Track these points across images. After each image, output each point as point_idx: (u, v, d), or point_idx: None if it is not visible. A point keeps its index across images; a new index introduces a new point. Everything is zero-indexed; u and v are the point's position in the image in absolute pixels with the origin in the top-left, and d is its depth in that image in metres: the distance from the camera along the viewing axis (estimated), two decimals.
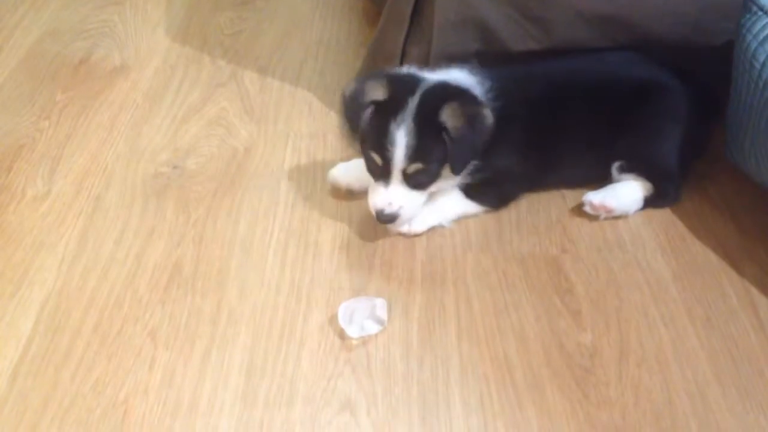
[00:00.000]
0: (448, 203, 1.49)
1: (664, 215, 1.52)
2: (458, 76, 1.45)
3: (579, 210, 1.53)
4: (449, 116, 1.35)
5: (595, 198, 1.49)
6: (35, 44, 2.05)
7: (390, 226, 1.45)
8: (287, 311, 1.33)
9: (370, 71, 1.74)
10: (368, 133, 1.40)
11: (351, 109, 1.42)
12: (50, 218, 1.51)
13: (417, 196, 1.42)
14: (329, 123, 1.78)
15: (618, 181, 1.53)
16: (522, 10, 1.53)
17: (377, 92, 1.39)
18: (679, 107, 1.51)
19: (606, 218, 1.50)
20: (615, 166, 1.53)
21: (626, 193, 1.51)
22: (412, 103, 1.36)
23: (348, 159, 1.59)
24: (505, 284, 1.38)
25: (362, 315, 1.29)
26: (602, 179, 1.54)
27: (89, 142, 1.72)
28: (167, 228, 1.49)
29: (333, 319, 1.30)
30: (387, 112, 1.37)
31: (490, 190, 1.49)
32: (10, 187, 1.58)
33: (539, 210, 1.54)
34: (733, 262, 1.42)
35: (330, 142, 1.72)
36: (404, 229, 1.46)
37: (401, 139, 1.35)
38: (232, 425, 1.15)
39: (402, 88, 1.39)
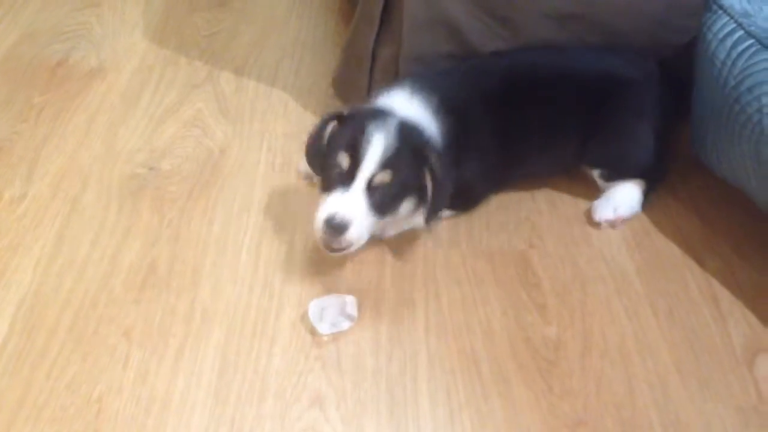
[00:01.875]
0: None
1: None
2: (402, 99, 1.42)
3: (548, 206, 1.56)
4: (434, 158, 1.33)
5: (607, 214, 1.50)
6: (12, 47, 2.07)
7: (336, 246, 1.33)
8: (260, 309, 1.36)
9: (344, 72, 1.77)
10: (338, 136, 1.36)
11: (317, 129, 1.40)
12: (27, 220, 1.53)
13: (371, 219, 1.33)
14: (305, 123, 1.79)
15: (605, 188, 1.55)
16: (488, 9, 1.55)
17: (347, 110, 1.38)
18: (647, 99, 1.53)
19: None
20: (596, 174, 1.54)
21: (628, 196, 1.53)
22: (394, 121, 1.34)
23: None
24: (474, 280, 1.41)
25: (333, 312, 1.32)
26: (570, 168, 1.57)
27: (66, 144, 1.74)
28: (143, 228, 1.52)
29: (304, 317, 1.33)
30: (363, 118, 1.34)
31: (459, 198, 1.47)
32: None
33: (509, 207, 1.57)
34: (696, 256, 1.45)
35: (305, 142, 1.74)
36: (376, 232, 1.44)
37: (379, 140, 1.30)
38: (203, 422, 1.18)
39: (372, 110, 1.39)
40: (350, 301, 1.34)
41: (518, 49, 1.59)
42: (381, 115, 1.36)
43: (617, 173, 1.54)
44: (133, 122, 1.80)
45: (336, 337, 1.31)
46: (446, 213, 1.51)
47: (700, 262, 1.44)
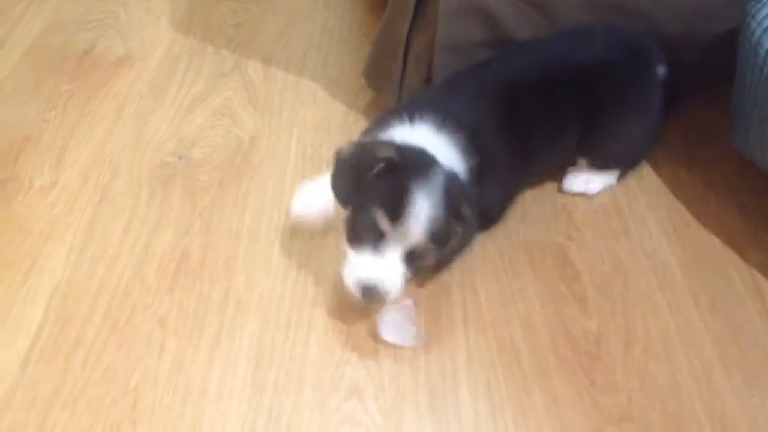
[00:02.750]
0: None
1: (669, 202, 1.52)
2: (433, 137, 1.28)
3: (584, 198, 1.54)
4: (467, 210, 1.21)
5: (578, 186, 1.53)
6: (39, 36, 2.05)
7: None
8: (294, 299, 1.34)
9: (376, 62, 1.75)
10: (378, 188, 1.17)
11: (356, 166, 1.20)
12: (58, 208, 1.52)
13: (401, 281, 1.21)
14: (334, 113, 1.78)
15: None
16: None
17: (388, 151, 1.19)
18: (643, 95, 1.50)
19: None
20: (585, 162, 1.51)
21: (606, 177, 1.55)
22: (440, 177, 1.18)
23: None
24: (511, 272, 1.39)
25: (398, 323, 1.26)
26: (570, 164, 1.56)
27: (95, 132, 1.72)
28: (174, 217, 1.50)
29: (341, 306, 1.32)
30: (408, 174, 1.16)
31: (480, 221, 1.37)
32: (17, 177, 1.59)
33: (544, 198, 1.54)
34: (738, 249, 1.42)
35: (335, 132, 1.72)
36: (398, 341, 1.29)
37: (426, 208, 1.14)
38: (241, 411, 1.17)
39: (417, 157, 1.21)
40: (409, 304, 1.28)
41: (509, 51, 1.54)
42: (426, 166, 1.19)
43: (605, 164, 1.53)
44: (161, 111, 1.78)
45: (372, 328, 1.29)
46: None
47: (743, 256, 1.41)
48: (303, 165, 1.63)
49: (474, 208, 1.24)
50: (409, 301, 1.28)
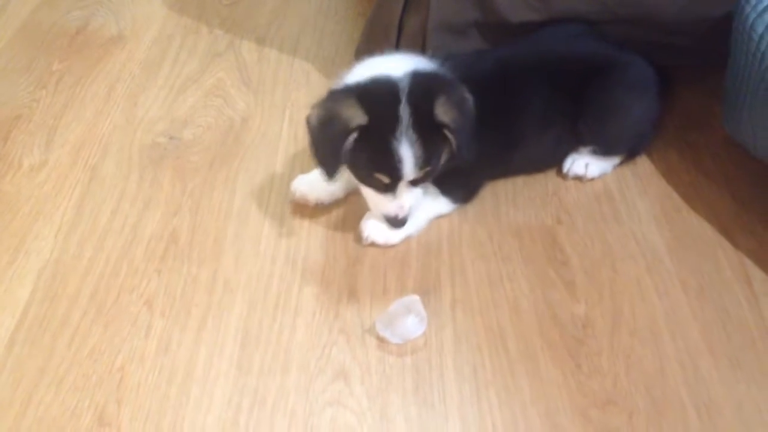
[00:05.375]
0: (419, 209, 1.40)
1: (660, 187, 1.52)
2: (419, 63, 1.36)
3: (574, 182, 1.53)
4: (444, 112, 1.26)
5: (579, 168, 1.53)
6: (31, 14, 2.04)
7: (371, 237, 1.39)
8: (282, 281, 1.34)
9: (367, 43, 1.74)
10: (365, 158, 1.28)
11: (327, 137, 1.28)
12: (47, 188, 1.52)
13: (419, 192, 1.35)
14: None
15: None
16: None
17: (356, 115, 1.25)
18: (643, 79, 1.50)
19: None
20: (588, 150, 1.52)
21: (606, 162, 1.55)
22: (403, 112, 1.24)
23: None
24: (500, 255, 1.39)
25: (402, 321, 1.25)
26: (567, 155, 1.55)
27: (86, 111, 1.72)
28: (164, 198, 1.50)
29: (329, 289, 1.31)
30: (379, 130, 1.25)
31: (459, 182, 1.43)
32: (7, 156, 1.59)
33: (535, 182, 1.54)
34: (728, 234, 1.42)
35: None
36: (380, 240, 1.39)
37: (408, 153, 1.25)
38: (227, 392, 1.17)
39: (381, 100, 1.27)
40: (416, 300, 1.27)
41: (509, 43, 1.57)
42: (391, 108, 1.25)
43: (607, 151, 1.53)
44: (153, 91, 1.78)
45: (359, 311, 1.29)
46: (446, 207, 1.46)
47: (733, 241, 1.40)
48: (295, 146, 1.62)
49: (452, 96, 1.29)
50: (413, 297, 1.27)
